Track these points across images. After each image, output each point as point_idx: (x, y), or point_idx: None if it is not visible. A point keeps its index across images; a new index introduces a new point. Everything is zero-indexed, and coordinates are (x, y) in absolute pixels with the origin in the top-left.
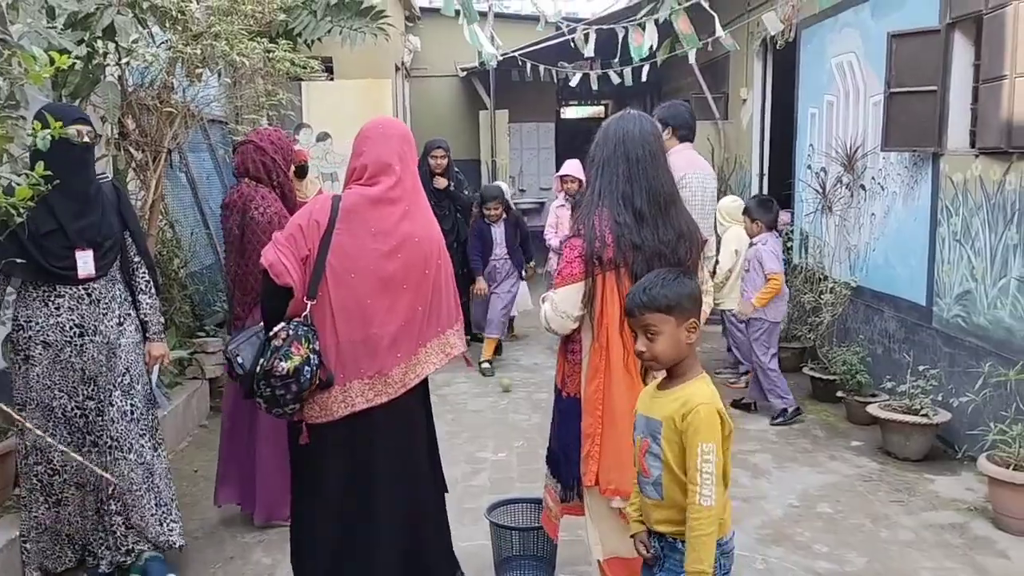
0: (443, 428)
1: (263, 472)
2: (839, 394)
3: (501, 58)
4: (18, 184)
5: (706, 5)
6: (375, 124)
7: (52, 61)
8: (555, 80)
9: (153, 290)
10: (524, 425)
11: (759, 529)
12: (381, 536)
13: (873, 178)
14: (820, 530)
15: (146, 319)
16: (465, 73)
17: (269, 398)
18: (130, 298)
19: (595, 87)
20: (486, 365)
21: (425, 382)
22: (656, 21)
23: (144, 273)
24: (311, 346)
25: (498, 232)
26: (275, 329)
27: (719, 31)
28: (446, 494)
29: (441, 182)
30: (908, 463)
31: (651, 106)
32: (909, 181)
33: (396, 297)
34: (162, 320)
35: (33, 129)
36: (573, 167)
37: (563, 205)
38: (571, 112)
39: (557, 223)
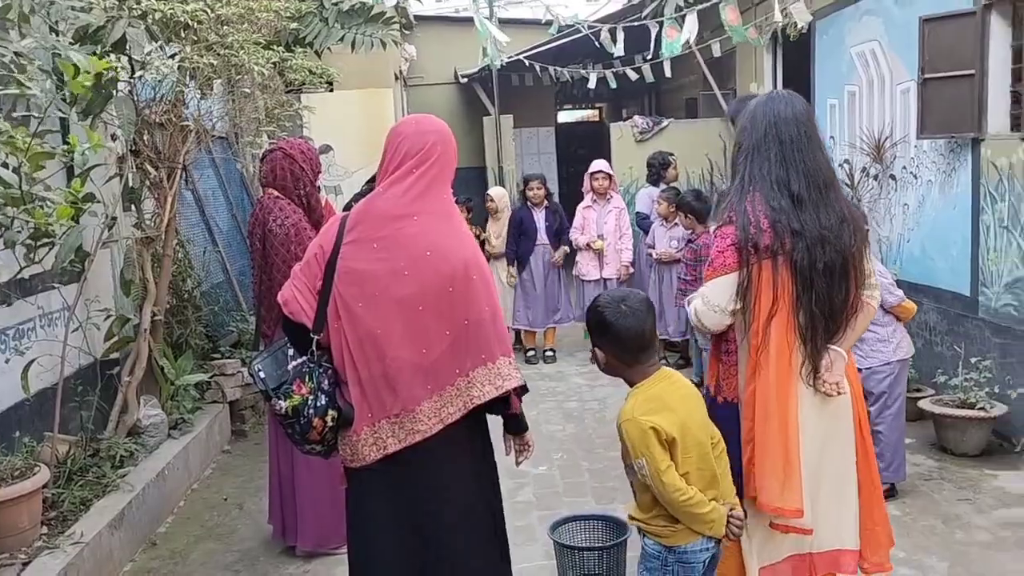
0: None
1: (304, 499)
2: None
3: (506, 61)
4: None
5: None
6: (410, 118)
7: (77, 71)
8: (554, 83)
9: None
10: (560, 436)
11: None
12: None
13: (904, 167)
14: (894, 534)
15: None
16: (466, 79)
17: (287, 436)
18: None
19: (613, 85)
20: (550, 353)
21: (482, 422)
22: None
23: None
24: (315, 384)
25: (539, 218)
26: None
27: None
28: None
29: None
30: (966, 458)
31: (649, 106)
32: (946, 168)
33: (413, 321)
34: None
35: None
36: (602, 164)
37: (589, 206)
38: (564, 116)
39: (583, 224)
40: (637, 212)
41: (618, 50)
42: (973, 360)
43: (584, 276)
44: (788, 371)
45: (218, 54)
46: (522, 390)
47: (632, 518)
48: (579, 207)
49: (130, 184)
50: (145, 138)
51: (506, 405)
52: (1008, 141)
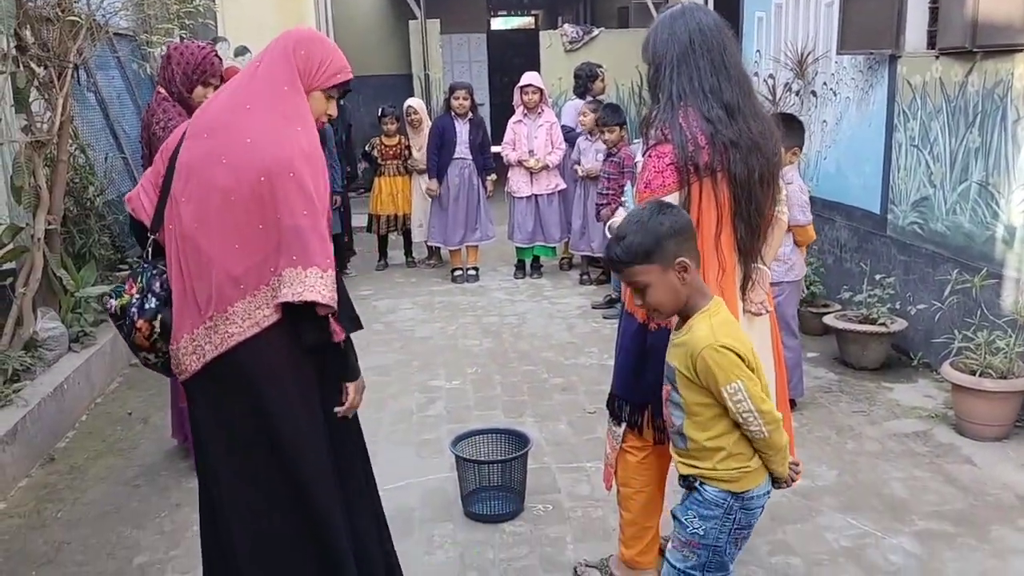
0: (392, 357)
1: None
2: None
3: None
4: None
5: None
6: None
7: None
8: None
9: None
10: (476, 351)
11: None
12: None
13: (825, 83)
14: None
15: None
16: None
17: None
18: None
19: None
20: (472, 272)
21: (316, 354)
22: None
23: None
24: (144, 285)
25: (462, 129)
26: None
27: None
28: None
29: None
30: (866, 372)
31: (584, 14)
32: (864, 86)
33: (227, 213)
34: None
35: None
36: (532, 77)
37: (520, 121)
38: (499, 23)
39: (514, 139)
40: (563, 125)
41: None
42: (878, 277)
43: (516, 193)
44: (734, 289)
45: None
46: (339, 317)
47: (689, 474)
48: (510, 122)
49: (17, 84)
50: (28, 34)
51: (320, 330)
52: (923, 59)
